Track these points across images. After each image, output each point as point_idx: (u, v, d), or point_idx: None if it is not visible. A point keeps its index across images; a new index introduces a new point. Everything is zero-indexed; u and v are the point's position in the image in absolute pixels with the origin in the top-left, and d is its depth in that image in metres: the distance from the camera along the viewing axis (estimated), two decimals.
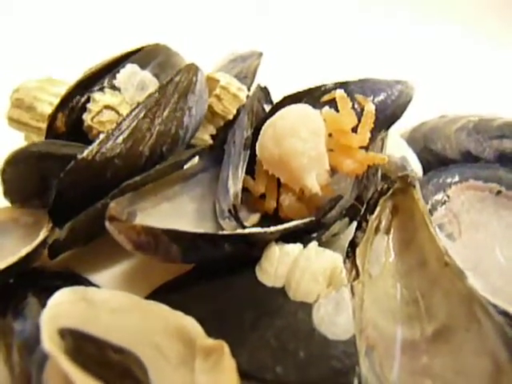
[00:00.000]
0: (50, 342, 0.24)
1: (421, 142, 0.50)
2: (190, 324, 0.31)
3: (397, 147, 0.47)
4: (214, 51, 0.56)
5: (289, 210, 0.36)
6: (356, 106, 0.39)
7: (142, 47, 0.46)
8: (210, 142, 0.45)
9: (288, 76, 0.57)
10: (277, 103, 0.43)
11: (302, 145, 0.35)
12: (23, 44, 0.67)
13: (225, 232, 0.31)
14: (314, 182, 0.35)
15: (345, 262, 0.35)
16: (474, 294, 0.29)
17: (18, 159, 0.33)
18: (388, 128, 0.40)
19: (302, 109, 0.38)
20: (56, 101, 0.41)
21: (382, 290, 0.35)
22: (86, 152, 0.34)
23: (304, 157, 0.35)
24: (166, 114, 0.38)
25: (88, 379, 0.24)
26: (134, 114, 0.36)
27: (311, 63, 0.66)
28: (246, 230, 0.32)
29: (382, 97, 0.40)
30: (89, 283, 0.36)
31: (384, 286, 0.35)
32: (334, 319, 0.31)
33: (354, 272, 0.34)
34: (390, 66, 0.57)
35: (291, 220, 0.35)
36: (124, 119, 0.36)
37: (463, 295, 0.30)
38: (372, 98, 0.40)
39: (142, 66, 0.45)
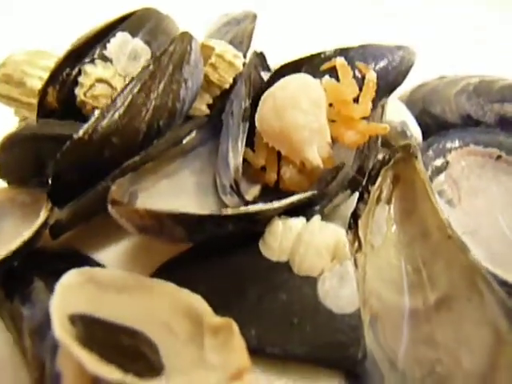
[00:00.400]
0: (61, 331, 0.25)
1: (420, 104, 0.50)
2: (197, 301, 0.31)
3: (396, 112, 0.47)
4: (205, 12, 0.54)
5: (290, 182, 0.36)
6: (357, 73, 0.38)
7: (131, 13, 0.44)
8: (207, 111, 0.44)
9: (283, 38, 0.56)
10: (275, 71, 0.42)
11: (303, 117, 0.35)
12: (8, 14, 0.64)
13: (228, 212, 0.31)
14: (316, 154, 0.34)
15: (347, 234, 0.35)
16: (475, 265, 0.29)
17: (12, 143, 0.32)
18: (389, 95, 0.39)
19: (303, 78, 0.37)
20: (46, 75, 0.39)
21: (385, 259, 0.35)
22: (82, 131, 0.33)
23: (305, 129, 0.34)
24: (161, 87, 0.36)
25: (101, 366, 0.24)
26: (128, 88, 0.35)
27: (307, 24, 0.63)
28: (250, 208, 0.32)
29: (383, 63, 0.39)
30: (93, 262, 0.36)
31: (386, 255, 0.36)
32: (338, 292, 0.31)
33: (356, 244, 0.35)
34: (390, 25, 0.55)
35: (293, 193, 0.35)
36: (119, 95, 0.35)
37: (465, 266, 0.30)
38: (373, 64, 0.39)
39: (133, 34, 0.43)
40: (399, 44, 0.39)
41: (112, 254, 0.37)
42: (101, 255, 0.37)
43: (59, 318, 0.26)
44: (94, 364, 0.24)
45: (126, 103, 0.35)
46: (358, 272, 0.33)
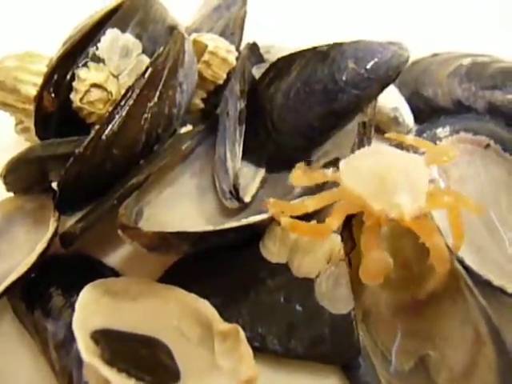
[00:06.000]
0: (88, 354, 0.27)
1: (412, 85, 0.50)
2: (205, 306, 0.34)
3: (389, 97, 0.47)
4: None
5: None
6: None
7: (118, 5, 0.43)
8: (202, 105, 0.45)
9: (274, 18, 0.54)
10: (270, 65, 0.42)
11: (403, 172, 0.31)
12: None
13: (230, 225, 0.33)
14: (408, 202, 0.29)
15: (342, 235, 0.37)
16: (460, 272, 0.32)
17: (18, 166, 0.33)
18: (382, 90, 0.40)
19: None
20: (39, 80, 0.39)
21: None
22: (83, 147, 0.34)
23: (404, 175, 0.31)
24: (157, 95, 0.37)
25: (127, 381, 0.27)
26: (125, 100, 0.35)
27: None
28: (251, 219, 0.34)
29: (375, 58, 0.39)
30: (104, 267, 0.38)
31: None
32: (334, 294, 0.34)
33: (350, 242, 0.37)
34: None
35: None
36: (116, 107, 0.35)
37: (451, 271, 0.33)
38: (365, 59, 0.39)
39: (122, 29, 0.42)
40: (392, 40, 0.39)
41: (120, 257, 0.40)
42: (109, 258, 0.40)
43: (83, 339, 0.29)
44: (119, 380, 0.27)
45: (124, 115, 0.35)
46: (352, 270, 0.36)
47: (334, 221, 0.31)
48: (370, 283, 0.32)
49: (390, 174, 0.31)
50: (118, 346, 0.30)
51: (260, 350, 0.33)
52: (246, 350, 0.30)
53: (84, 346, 0.28)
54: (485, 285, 0.33)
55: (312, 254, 0.35)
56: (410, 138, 0.37)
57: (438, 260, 0.30)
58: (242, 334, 0.31)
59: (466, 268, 0.34)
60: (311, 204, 0.33)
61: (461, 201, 0.32)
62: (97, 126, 0.35)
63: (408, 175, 0.31)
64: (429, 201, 0.30)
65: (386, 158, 0.33)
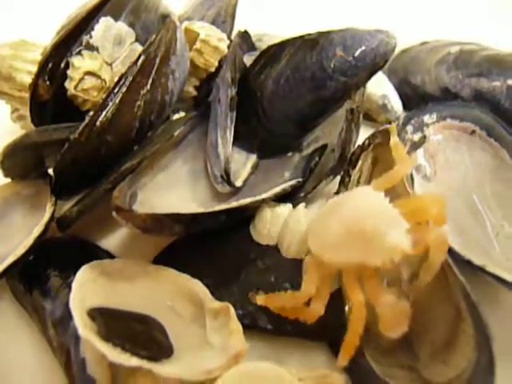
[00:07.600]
0: (84, 329, 0.29)
1: (401, 72, 0.51)
2: (197, 286, 0.35)
3: (378, 84, 0.48)
4: None
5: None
6: None
7: None
8: (194, 93, 0.46)
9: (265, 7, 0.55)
10: (261, 53, 0.42)
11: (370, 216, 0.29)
12: None
13: (221, 207, 0.34)
14: (402, 236, 0.28)
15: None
16: None
17: (14, 151, 0.34)
18: (370, 77, 0.41)
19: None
20: (34, 68, 0.40)
21: None
22: (78, 133, 0.35)
23: (377, 218, 0.29)
24: (150, 82, 0.38)
25: (120, 355, 0.29)
26: (118, 87, 0.36)
27: None
28: (241, 202, 0.35)
29: (362, 46, 0.40)
30: (100, 250, 0.40)
31: None
32: None
33: None
34: None
35: (279, 181, 0.38)
36: (109, 94, 0.36)
37: None
38: (353, 46, 0.40)
39: (116, 17, 0.43)
40: (379, 28, 0.40)
41: (115, 240, 0.41)
42: (105, 241, 0.41)
43: (80, 316, 0.30)
44: (114, 355, 0.28)
45: (117, 102, 0.36)
46: None
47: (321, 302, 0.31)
48: (395, 333, 0.29)
49: (362, 222, 0.29)
50: (113, 322, 0.31)
51: (251, 328, 0.34)
52: (236, 326, 0.32)
53: (81, 323, 0.29)
54: (466, 264, 0.34)
55: (300, 235, 0.36)
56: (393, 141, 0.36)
57: (437, 249, 0.29)
58: (232, 311, 0.32)
59: (449, 248, 0.35)
60: (317, 293, 0.31)
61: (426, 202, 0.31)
62: (91, 113, 0.36)
63: (376, 211, 0.29)
64: (406, 219, 0.29)
65: (342, 210, 0.31)
